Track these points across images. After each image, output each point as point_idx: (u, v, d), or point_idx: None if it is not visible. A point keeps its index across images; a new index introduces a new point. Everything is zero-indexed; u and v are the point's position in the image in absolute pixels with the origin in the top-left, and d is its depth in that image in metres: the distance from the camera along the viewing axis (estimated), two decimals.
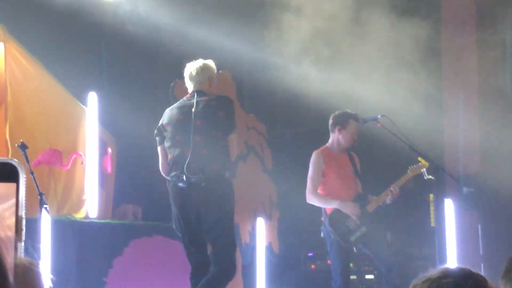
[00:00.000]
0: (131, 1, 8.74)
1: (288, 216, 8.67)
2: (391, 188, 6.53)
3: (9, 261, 1.19)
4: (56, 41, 8.33)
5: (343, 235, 6.42)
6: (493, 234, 8.17)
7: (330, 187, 6.60)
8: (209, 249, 5.67)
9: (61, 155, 7.42)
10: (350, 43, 8.57)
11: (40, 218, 5.71)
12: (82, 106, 8.08)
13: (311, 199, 6.59)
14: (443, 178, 7.87)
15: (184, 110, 5.67)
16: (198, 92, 5.72)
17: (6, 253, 1.19)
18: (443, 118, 9.00)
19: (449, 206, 8.02)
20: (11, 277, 1.17)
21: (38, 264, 1.93)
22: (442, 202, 7.92)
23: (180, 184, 5.52)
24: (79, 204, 7.82)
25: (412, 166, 6.65)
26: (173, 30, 8.80)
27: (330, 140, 6.73)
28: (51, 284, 2.19)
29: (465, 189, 8.13)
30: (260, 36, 9.23)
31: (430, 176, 6.64)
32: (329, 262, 6.64)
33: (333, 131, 6.70)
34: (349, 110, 6.72)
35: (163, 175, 5.76)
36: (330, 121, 6.69)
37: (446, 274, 1.76)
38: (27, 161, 5.68)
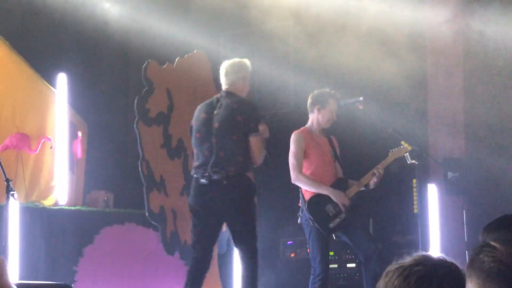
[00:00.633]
0: None
1: (266, 202, 8.40)
2: (374, 171, 6.25)
3: None
4: (23, 18, 8.12)
5: (322, 222, 6.14)
6: (478, 221, 7.92)
7: (311, 169, 6.28)
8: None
9: (29, 139, 7.39)
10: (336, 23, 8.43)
11: (7, 205, 5.57)
12: (51, 87, 7.93)
13: (300, 180, 6.22)
14: (427, 163, 7.65)
15: (208, 110, 5.89)
16: (227, 93, 5.91)
17: None
18: (427, 101, 8.79)
19: (433, 191, 7.83)
20: None
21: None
22: (425, 188, 7.72)
23: (203, 181, 5.73)
24: (48, 191, 7.75)
25: (393, 149, 6.41)
26: (146, 10, 8.62)
27: (309, 121, 6.53)
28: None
29: (449, 174, 7.94)
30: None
31: (413, 161, 6.43)
32: (309, 250, 6.32)
33: (312, 111, 6.49)
34: (328, 89, 6.48)
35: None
36: (309, 101, 6.50)
37: (419, 261, 1.79)
38: None
